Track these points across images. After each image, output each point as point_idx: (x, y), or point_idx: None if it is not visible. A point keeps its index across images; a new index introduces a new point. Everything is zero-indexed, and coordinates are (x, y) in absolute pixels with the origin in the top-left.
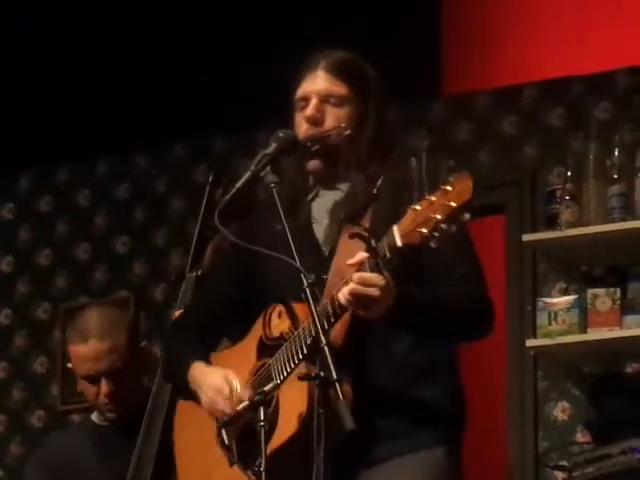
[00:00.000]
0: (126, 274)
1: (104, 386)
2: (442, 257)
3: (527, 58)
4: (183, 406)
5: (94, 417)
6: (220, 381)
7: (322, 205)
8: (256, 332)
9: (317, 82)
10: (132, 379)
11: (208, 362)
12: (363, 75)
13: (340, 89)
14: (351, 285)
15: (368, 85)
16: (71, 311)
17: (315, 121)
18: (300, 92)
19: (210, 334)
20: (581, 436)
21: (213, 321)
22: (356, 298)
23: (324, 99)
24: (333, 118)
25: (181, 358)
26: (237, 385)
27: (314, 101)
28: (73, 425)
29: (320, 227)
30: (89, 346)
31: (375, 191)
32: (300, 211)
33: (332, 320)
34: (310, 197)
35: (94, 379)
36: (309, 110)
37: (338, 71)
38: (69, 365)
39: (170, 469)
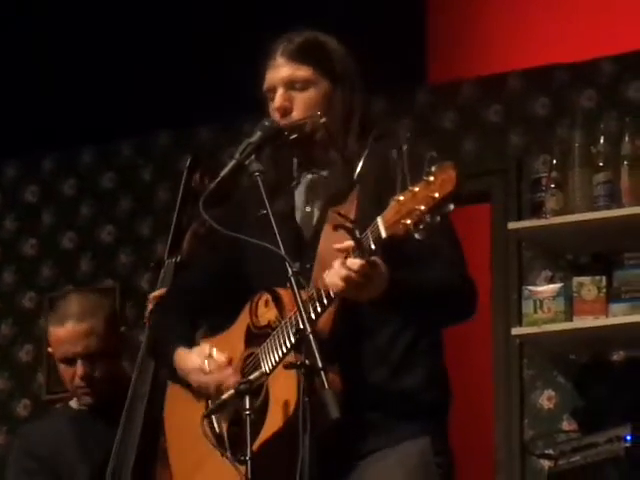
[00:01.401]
0: (112, 263)
1: (79, 367)
2: (427, 242)
3: (512, 46)
4: (173, 390)
5: (72, 403)
6: (197, 360)
7: (303, 191)
8: (243, 320)
9: (279, 70)
10: (109, 364)
11: (192, 344)
12: (326, 53)
13: (302, 72)
14: (344, 271)
15: (333, 61)
16: (57, 300)
17: (284, 111)
18: (266, 83)
19: (198, 312)
20: (567, 424)
21: (200, 300)
22: (349, 285)
23: (289, 86)
24: (301, 104)
25: (166, 344)
26: (213, 352)
27: (280, 91)
28: (51, 413)
29: (301, 214)
30: (66, 328)
31: (355, 177)
32: (282, 198)
33: (319, 310)
34: (294, 183)
35: (70, 361)
36: (276, 102)
37: (298, 54)
38: (49, 349)
39: (153, 456)
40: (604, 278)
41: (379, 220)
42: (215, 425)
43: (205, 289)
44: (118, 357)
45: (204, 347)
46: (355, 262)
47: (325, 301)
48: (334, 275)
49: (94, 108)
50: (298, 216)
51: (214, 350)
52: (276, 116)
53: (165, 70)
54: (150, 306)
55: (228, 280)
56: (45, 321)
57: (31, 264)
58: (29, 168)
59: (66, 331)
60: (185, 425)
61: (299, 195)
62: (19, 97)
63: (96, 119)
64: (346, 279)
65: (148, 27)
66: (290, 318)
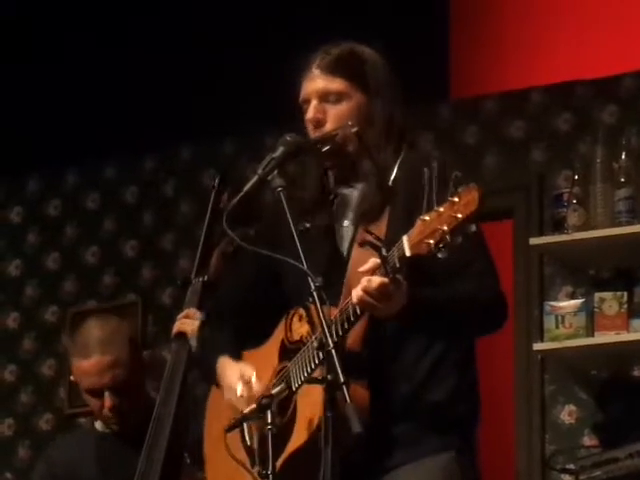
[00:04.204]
0: (134, 278)
1: (107, 400)
2: (459, 254)
3: (534, 62)
4: (215, 396)
5: (98, 425)
6: (234, 380)
7: (341, 205)
8: (278, 335)
9: (314, 82)
10: (135, 390)
11: (237, 355)
12: (361, 65)
13: (336, 85)
14: (359, 292)
15: (368, 74)
16: (79, 315)
17: (318, 123)
18: (301, 95)
19: (243, 326)
20: (588, 439)
21: (244, 315)
22: (365, 304)
23: (323, 98)
24: (335, 116)
25: (210, 355)
26: (252, 379)
27: (314, 102)
28: (76, 433)
29: (340, 228)
30: (91, 361)
31: (391, 183)
32: (321, 213)
33: (347, 325)
34: (331, 198)
35: (97, 393)
36: (309, 113)
37: (333, 67)
38: (71, 378)
39: (178, 472)
40: (625, 294)
41: (404, 239)
42: (246, 437)
43: (247, 303)
44: (143, 381)
45: (247, 370)
46: (375, 280)
47: (352, 318)
48: (356, 292)
49: (117, 122)
50: (337, 231)
51: (254, 377)
52: (309, 128)
53: (187, 84)
54: (177, 325)
55: (269, 295)
56: (66, 339)
57: (54, 278)
58: (52, 182)
59: (91, 364)
60: (220, 434)
61: (337, 209)
62: (41, 111)
63: (119, 133)
64: (365, 296)
65: (171, 41)
66: (319, 334)
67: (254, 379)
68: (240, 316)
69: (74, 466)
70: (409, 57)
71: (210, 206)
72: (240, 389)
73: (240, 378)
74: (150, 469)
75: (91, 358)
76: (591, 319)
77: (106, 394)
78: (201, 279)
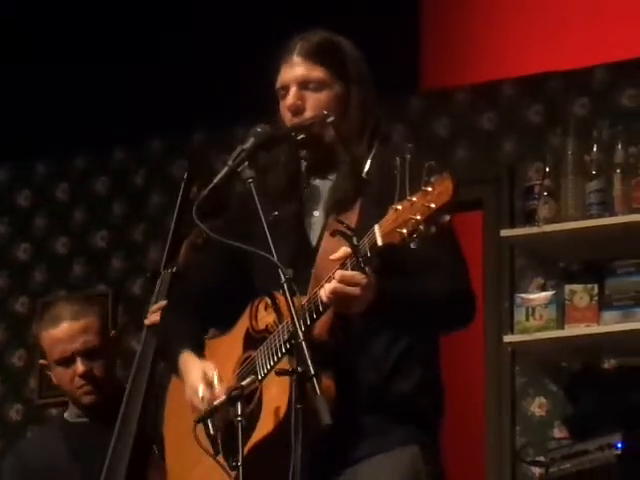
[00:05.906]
0: (104, 268)
1: (80, 365)
2: (429, 250)
3: (505, 54)
4: (175, 386)
5: (67, 415)
6: (197, 381)
7: (312, 195)
8: (243, 323)
9: (294, 69)
10: (106, 364)
11: (200, 346)
12: (341, 55)
13: (318, 73)
14: (333, 283)
15: (347, 64)
16: (49, 305)
17: (297, 110)
18: (279, 81)
19: (206, 314)
20: (558, 432)
21: (207, 303)
22: (337, 296)
23: (303, 85)
24: (314, 104)
25: (173, 346)
26: (215, 381)
27: (293, 89)
28: (45, 425)
29: (310, 218)
30: (62, 328)
31: (365, 175)
32: (291, 202)
33: (315, 316)
34: (303, 187)
35: (69, 360)
36: (289, 99)
37: (314, 55)
38: (41, 362)
39: (146, 463)
40: (596, 286)
41: (376, 228)
42: (210, 427)
43: (212, 292)
44: (112, 360)
45: (209, 370)
46: (339, 273)
47: (320, 309)
48: (327, 286)
49: (87, 113)
50: (306, 221)
51: (215, 378)
52: (287, 115)
53: (158, 75)
54: (150, 317)
55: (234, 283)
56: (35, 328)
57: (24, 269)
58: (22, 173)
59: (62, 331)
60: (183, 425)
61: (308, 198)
62: (11, 102)
63: (89, 124)
64: (334, 290)
65: (142, 32)
66: (287, 323)
67: (216, 380)
68: (205, 305)
69: (46, 458)
70: (379, 48)
71: (180, 197)
72: (202, 390)
73: (202, 379)
74: (118, 461)
75: (62, 325)
76: (562, 311)
77: (78, 360)
78: (170, 270)
